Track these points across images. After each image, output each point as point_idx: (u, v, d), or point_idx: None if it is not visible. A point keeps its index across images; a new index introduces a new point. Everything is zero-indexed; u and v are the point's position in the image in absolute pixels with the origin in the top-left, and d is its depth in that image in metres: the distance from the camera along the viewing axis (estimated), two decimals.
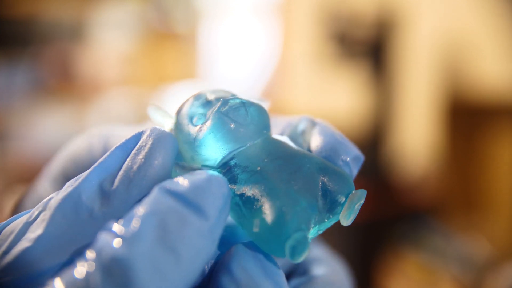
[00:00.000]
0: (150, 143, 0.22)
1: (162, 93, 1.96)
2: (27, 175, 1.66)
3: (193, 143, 0.24)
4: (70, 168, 0.29)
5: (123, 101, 1.93)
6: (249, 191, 0.22)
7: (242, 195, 0.22)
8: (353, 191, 0.24)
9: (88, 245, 0.20)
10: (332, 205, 0.23)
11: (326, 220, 0.23)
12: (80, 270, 0.19)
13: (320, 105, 1.65)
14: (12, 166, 1.69)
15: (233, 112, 0.24)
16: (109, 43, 1.97)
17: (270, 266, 0.22)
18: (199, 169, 0.23)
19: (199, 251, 0.20)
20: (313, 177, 0.23)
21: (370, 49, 1.52)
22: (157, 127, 0.24)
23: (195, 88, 1.96)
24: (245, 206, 0.22)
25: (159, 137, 0.23)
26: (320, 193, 0.23)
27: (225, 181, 0.22)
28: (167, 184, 0.21)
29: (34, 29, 1.90)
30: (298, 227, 0.22)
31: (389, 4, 1.51)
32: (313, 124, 0.26)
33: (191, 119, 0.24)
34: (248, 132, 0.24)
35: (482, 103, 1.38)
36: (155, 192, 0.20)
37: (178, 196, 0.20)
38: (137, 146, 0.22)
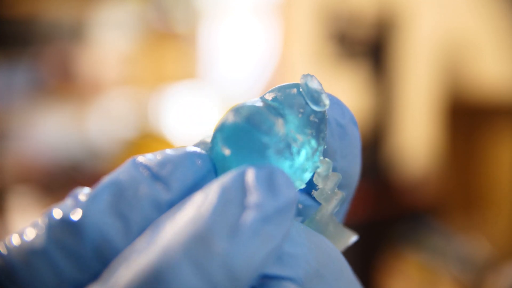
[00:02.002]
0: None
1: (162, 93, 1.96)
2: (27, 175, 1.67)
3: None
4: None
5: (123, 101, 1.93)
6: None
7: None
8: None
9: None
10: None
11: (300, 115, 0.22)
12: (29, 232, 0.20)
13: None
14: (12, 166, 1.69)
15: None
16: (109, 43, 1.97)
17: None
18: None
19: (152, 222, 0.19)
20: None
21: (370, 49, 1.52)
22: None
23: (195, 88, 1.96)
24: None
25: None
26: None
27: (205, 159, 0.21)
28: (140, 156, 0.21)
29: (34, 29, 1.90)
30: None
31: (389, 4, 1.51)
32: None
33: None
34: None
35: (482, 103, 1.38)
36: (125, 163, 0.21)
37: (145, 167, 0.20)
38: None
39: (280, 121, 0.21)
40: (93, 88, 1.93)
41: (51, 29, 1.92)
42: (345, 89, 1.60)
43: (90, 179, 1.71)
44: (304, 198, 0.24)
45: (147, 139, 1.83)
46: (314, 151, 0.22)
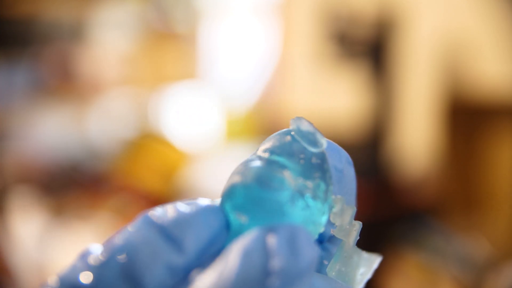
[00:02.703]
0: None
1: (162, 93, 1.96)
2: (27, 175, 1.67)
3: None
4: None
5: (123, 101, 1.93)
6: None
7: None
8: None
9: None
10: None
11: (302, 162, 0.22)
12: None
13: (320, 105, 1.65)
14: (12, 166, 1.69)
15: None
16: (109, 43, 1.97)
17: None
18: None
19: (165, 287, 0.19)
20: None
21: (370, 49, 1.52)
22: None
23: (195, 88, 1.96)
24: None
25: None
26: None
27: (219, 214, 0.21)
28: (152, 213, 0.20)
29: (34, 29, 1.89)
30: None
31: (389, 4, 1.51)
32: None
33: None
34: None
35: (482, 103, 1.38)
36: (137, 220, 0.20)
37: (158, 227, 0.20)
38: None
39: (287, 173, 0.21)
40: (93, 88, 1.93)
41: (51, 29, 1.92)
42: (345, 89, 1.60)
43: (90, 179, 1.71)
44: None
45: (147, 139, 1.83)
46: (326, 192, 0.22)
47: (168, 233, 0.20)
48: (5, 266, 1.30)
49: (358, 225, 0.23)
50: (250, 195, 0.21)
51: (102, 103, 1.91)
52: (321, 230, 0.22)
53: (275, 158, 0.22)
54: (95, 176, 1.72)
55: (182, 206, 0.20)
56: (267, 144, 0.23)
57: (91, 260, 0.19)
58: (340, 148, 0.24)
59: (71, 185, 1.66)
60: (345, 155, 0.24)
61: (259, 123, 1.85)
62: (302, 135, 0.23)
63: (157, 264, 0.19)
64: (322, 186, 0.22)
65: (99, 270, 0.19)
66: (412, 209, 1.40)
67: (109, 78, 1.97)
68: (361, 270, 0.24)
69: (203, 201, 0.21)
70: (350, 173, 0.24)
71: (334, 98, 1.63)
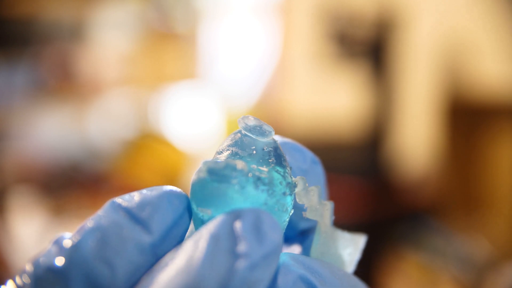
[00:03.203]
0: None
1: (162, 93, 1.96)
2: (27, 175, 1.67)
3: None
4: None
5: (123, 101, 1.93)
6: None
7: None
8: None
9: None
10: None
11: (254, 152, 0.23)
12: (17, 281, 0.20)
13: (320, 105, 1.65)
14: (12, 166, 1.69)
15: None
16: (109, 43, 1.97)
17: None
18: None
19: (137, 266, 0.20)
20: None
21: (370, 49, 1.52)
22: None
23: (195, 88, 1.96)
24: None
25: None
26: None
27: (181, 197, 0.22)
28: (119, 198, 0.21)
29: (34, 29, 1.89)
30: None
31: (389, 4, 1.51)
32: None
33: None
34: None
35: (482, 103, 1.38)
36: (105, 206, 0.21)
37: (125, 210, 0.21)
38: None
39: (239, 162, 0.22)
40: (93, 88, 1.93)
41: (51, 29, 1.92)
42: (345, 89, 1.60)
43: (90, 179, 1.71)
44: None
45: (147, 139, 1.83)
46: (284, 174, 0.23)
47: (135, 215, 0.21)
48: (6, 264, 1.30)
49: (329, 205, 0.24)
50: (207, 188, 0.22)
51: (102, 103, 1.91)
52: (290, 212, 0.23)
53: (228, 153, 0.24)
54: (95, 176, 1.72)
55: (147, 191, 0.21)
56: (221, 144, 0.24)
57: (64, 244, 0.20)
58: (304, 148, 0.25)
59: (71, 185, 1.66)
60: (309, 155, 0.25)
61: None
62: (250, 129, 0.24)
63: (126, 244, 0.20)
64: (278, 168, 0.23)
65: (71, 253, 0.20)
66: (412, 209, 1.40)
67: (109, 78, 1.97)
68: (348, 250, 0.24)
69: (167, 187, 0.22)
70: (316, 171, 0.25)
71: (334, 98, 1.63)
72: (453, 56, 1.43)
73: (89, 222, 0.20)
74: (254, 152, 0.23)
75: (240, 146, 0.24)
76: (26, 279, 0.20)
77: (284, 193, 0.23)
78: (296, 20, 1.76)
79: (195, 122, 1.89)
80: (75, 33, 1.96)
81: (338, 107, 1.60)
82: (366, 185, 1.37)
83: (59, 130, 1.85)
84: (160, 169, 1.71)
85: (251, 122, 0.24)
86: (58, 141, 1.82)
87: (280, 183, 0.22)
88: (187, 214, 0.22)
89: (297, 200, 0.23)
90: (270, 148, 0.24)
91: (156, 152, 1.76)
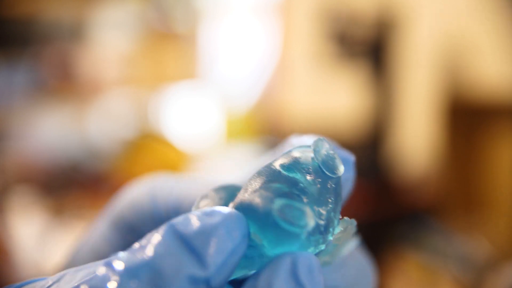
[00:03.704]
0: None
1: (162, 93, 1.96)
2: (27, 175, 1.67)
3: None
4: (131, 216, 0.29)
5: (123, 101, 1.93)
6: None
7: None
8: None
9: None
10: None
11: (318, 186, 0.22)
12: None
13: (320, 105, 1.65)
14: (12, 166, 1.69)
15: None
16: (109, 43, 1.97)
17: None
18: None
19: None
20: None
21: (370, 49, 1.52)
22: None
23: (195, 88, 1.96)
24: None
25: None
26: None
27: (241, 224, 0.21)
28: (178, 223, 0.21)
29: (34, 29, 1.89)
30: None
31: (389, 4, 1.51)
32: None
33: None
34: None
35: (482, 103, 1.38)
36: (162, 231, 0.21)
37: (182, 239, 0.20)
38: None
39: (308, 209, 0.21)
40: (93, 88, 1.93)
41: (51, 29, 1.92)
42: (345, 89, 1.60)
43: (90, 179, 1.71)
44: None
45: (147, 139, 1.83)
46: (337, 222, 0.22)
47: (192, 246, 0.20)
48: (9, 260, 1.30)
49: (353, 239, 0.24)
50: (273, 225, 0.21)
51: (102, 103, 1.91)
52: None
53: (295, 177, 0.22)
54: (95, 176, 1.72)
55: (206, 217, 0.21)
56: (287, 158, 0.23)
57: (116, 266, 0.20)
58: (352, 164, 0.25)
59: (71, 185, 1.66)
60: (352, 173, 0.25)
61: (259, 123, 1.85)
62: (321, 158, 0.23)
63: (180, 277, 0.20)
64: (334, 214, 0.22)
65: (123, 279, 0.20)
66: (412, 209, 1.40)
67: (109, 78, 1.97)
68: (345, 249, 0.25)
69: (226, 212, 0.21)
70: (348, 189, 0.25)
71: (334, 98, 1.63)
72: (453, 56, 1.43)
73: (148, 249, 0.20)
74: (319, 186, 0.22)
75: (307, 172, 0.22)
76: None
77: (329, 240, 0.22)
78: (296, 20, 1.77)
79: (195, 122, 1.89)
80: (75, 33, 1.96)
81: (338, 107, 1.61)
82: (366, 185, 1.37)
83: (59, 130, 1.85)
84: (160, 169, 1.70)
85: (326, 150, 0.23)
86: (58, 141, 1.82)
87: (332, 230, 0.22)
88: (245, 242, 0.21)
89: (333, 240, 0.23)
90: (333, 185, 0.23)
91: (156, 152, 1.76)
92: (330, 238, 0.22)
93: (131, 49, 2.01)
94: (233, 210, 0.22)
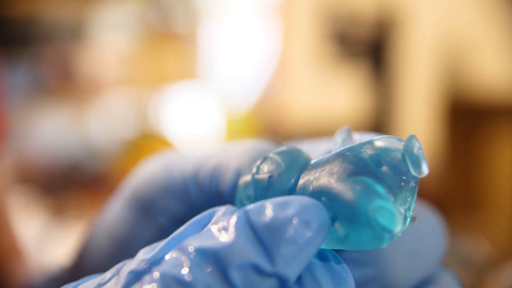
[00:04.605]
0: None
1: (162, 93, 1.96)
2: (27, 175, 1.67)
3: None
4: (146, 191, 0.29)
5: (123, 101, 1.93)
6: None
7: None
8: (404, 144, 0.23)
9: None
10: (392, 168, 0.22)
11: (402, 184, 0.22)
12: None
13: (320, 105, 1.65)
14: (12, 166, 1.69)
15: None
16: (109, 43, 1.97)
17: (340, 274, 0.21)
18: None
19: None
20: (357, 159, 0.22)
21: (370, 49, 1.52)
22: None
23: (195, 88, 1.96)
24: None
25: None
26: (374, 166, 0.22)
27: (319, 214, 0.20)
28: (252, 211, 0.21)
29: (34, 29, 1.90)
30: (370, 198, 0.21)
31: (389, 4, 1.51)
32: (349, 132, 0.26)
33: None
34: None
35: (482, 103, 1.38)
36: (238, 217, 0.20)
37: (254, 230, 0.20)
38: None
39: (399, 218, 0.21)
40: (93, 88, 1.93)
41: (51, 29, 1.92)
42: (345, 89, 1.60)
43: (90, 179, 1.71)
44: None
45: (147, 139, 1.83)
46: (409, 217, 0.22)
47: (261, 238, 0.20)
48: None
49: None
50: (362, 222, 0.21)
51: (102, 103, 1.91)
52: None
53: (384, 172, 0.22)
54: (95, 176, 1.72)
55: (280, 208, 0.20)
56: (374, 150, 0.23)
57: (189, 250, 0.20)
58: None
59: (71, 185, 1.66)
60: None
61: (259, 123, 1.85)
62: (411, 158, 0.23)
63: (248, 267, 0.20)
64: (407, 213, 0.22)
65: (195, 266, 0.20)
66: None
67: (109, 78, 1.97)
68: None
69: (301, 201, 0.21)
70: None
71: (334, 98, 1.63)
72: (453, 56, 1.43)
73: (228, 232, 0.20)
74: (403, 184, 0.22)
75: (394, 169, 0.22)
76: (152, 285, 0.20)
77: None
78: (296, 20, 1.77)
79: (195, 122, 1.89)
80: (75, 33, 1.96)
81: (338, 107, 1.60)
82: None
83: (59, 130, 1.85)
84: None
85: (416, 150, 0.23)
86: (58, 141, 1.82)
87: (404, 229, 0.22)
88: (322, 233, 0.20)
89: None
90: (414, 185, 0.22)
91: (156, 152, 1.76)
92: (400, 235, 0.22)
93: (131, 49, 2.01)
94: (310, 200, 0.21)
